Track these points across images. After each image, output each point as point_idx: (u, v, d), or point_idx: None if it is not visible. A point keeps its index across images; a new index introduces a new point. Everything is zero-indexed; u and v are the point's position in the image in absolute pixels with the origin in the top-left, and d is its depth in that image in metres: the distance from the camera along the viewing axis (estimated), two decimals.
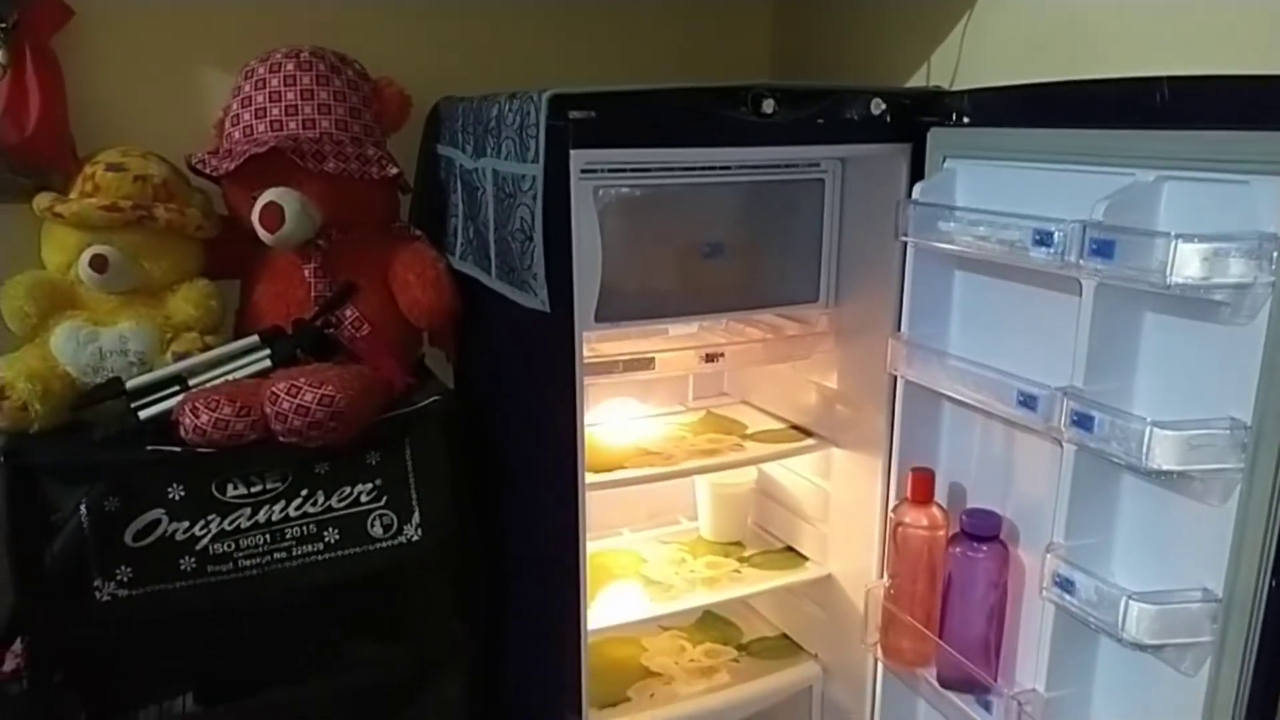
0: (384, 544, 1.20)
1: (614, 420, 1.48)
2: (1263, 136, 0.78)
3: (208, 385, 1.15)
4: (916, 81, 1.36)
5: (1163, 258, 0.81)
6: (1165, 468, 0.84)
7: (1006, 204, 1.01)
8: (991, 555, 1.08)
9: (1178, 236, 0.80)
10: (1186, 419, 0.83)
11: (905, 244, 1.17)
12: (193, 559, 1.11)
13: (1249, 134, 0.79)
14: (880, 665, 1.29)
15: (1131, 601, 0.87)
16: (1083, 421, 0.90)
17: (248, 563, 1.14)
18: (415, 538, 1.21)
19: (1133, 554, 0.94)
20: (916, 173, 1.18)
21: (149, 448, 1.10)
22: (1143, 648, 0.88)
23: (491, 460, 1.30)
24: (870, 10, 1.49)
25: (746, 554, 1.51)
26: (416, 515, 1.21)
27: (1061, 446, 0.95)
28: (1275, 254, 0.78)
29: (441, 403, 1.23)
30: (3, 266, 1.21)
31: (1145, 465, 0.84)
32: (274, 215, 1.21)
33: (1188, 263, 0.80)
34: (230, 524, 1.13)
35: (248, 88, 1.26)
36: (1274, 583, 0.80)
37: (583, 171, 1.06)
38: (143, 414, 1.13)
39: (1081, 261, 0.89)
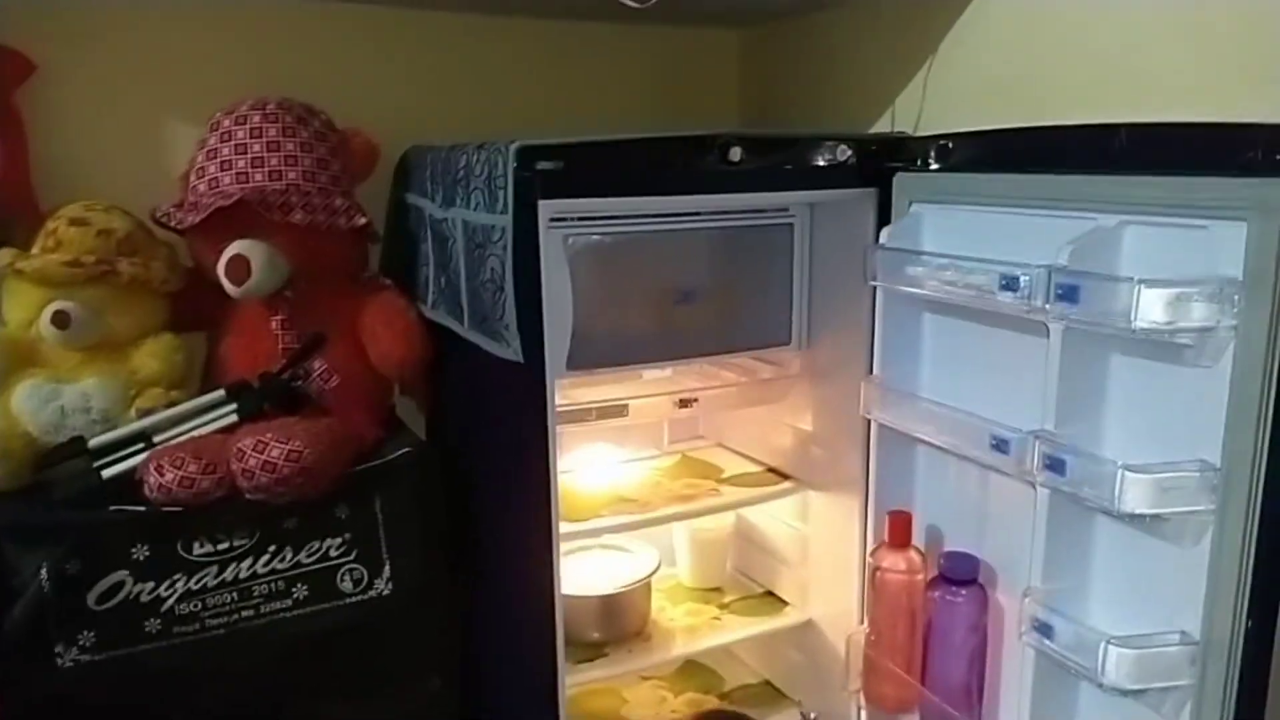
0: (354, 599, 1.18)
1: (589, 467, 1.47)
2: (1219, 182, 0.79)
3: (173, 442, 1.13)
4: (881, 127, 1.37)
5: (1127, 302, 0.82)
6: (1138, 511, 0.84)
7: (973, 247, 1.02)
8: (970, 599, 1.08)
9: (1141, 281, 0.81)
10: (1157, 462, 0.83)
11: (874, 287, 1.17)
12: (158, 620, 1.08)
13: (1206, 179, 0.80)
14: (864, 713, 1.27)
15: (1110, 646, 0.86)
16: (1055, 465, 0.90)
17: (214, 622, 1.12)
18: (386, 592, 1.19)
19: (1110, 597, 0.94)
20: (884, 216, 1.19)
21: (112, 508, 1.08)
22: (1124, 693, 0.87)
23: (465, 511, 1.29)
24: (835, 55, 1.51)
25: (726, 600, 1.50)
26: (387, 569, 1.19)
27: (1035, 489, 0.95)
28: (1236, 297, 0.78)
29: (412, 454, 1.21)
30: None
31: (1118, 508, 0.84)
32: (240, 268, 1.20)
33: (1151, 307, 0.81)
34: (196, 583, 1.10)
35: (213, 140, 1.25)
36: (1250, 624, 0.80)
37: (552, 220, 1.06)
38: (106, 473, 1.10)
39: (1048, 306, 0.90)
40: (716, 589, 1.54)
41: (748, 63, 1.75)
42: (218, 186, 1.22)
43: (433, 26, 1.50)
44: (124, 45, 1.32)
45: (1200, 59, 0.98)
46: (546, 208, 1.04)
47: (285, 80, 1.33)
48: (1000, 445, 0.98)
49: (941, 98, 1.29)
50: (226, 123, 1.25)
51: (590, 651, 1.33)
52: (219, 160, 1.23)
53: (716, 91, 1.75)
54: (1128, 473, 0.83)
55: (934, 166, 1.13)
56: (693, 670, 1.54)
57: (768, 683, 1.54)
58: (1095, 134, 0.92)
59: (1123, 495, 0.84)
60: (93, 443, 1.13)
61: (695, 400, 1.35)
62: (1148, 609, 0.89)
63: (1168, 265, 0.83)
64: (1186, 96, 0.99)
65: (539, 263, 1.05)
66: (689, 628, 1.42)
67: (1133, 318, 0.81)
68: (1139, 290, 0.81)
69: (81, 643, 1.06)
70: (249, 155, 1.22)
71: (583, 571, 1.38)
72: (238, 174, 1.22)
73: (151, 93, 1.34)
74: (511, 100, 1.56)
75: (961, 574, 1.08)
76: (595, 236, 1.19)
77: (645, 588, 1.40)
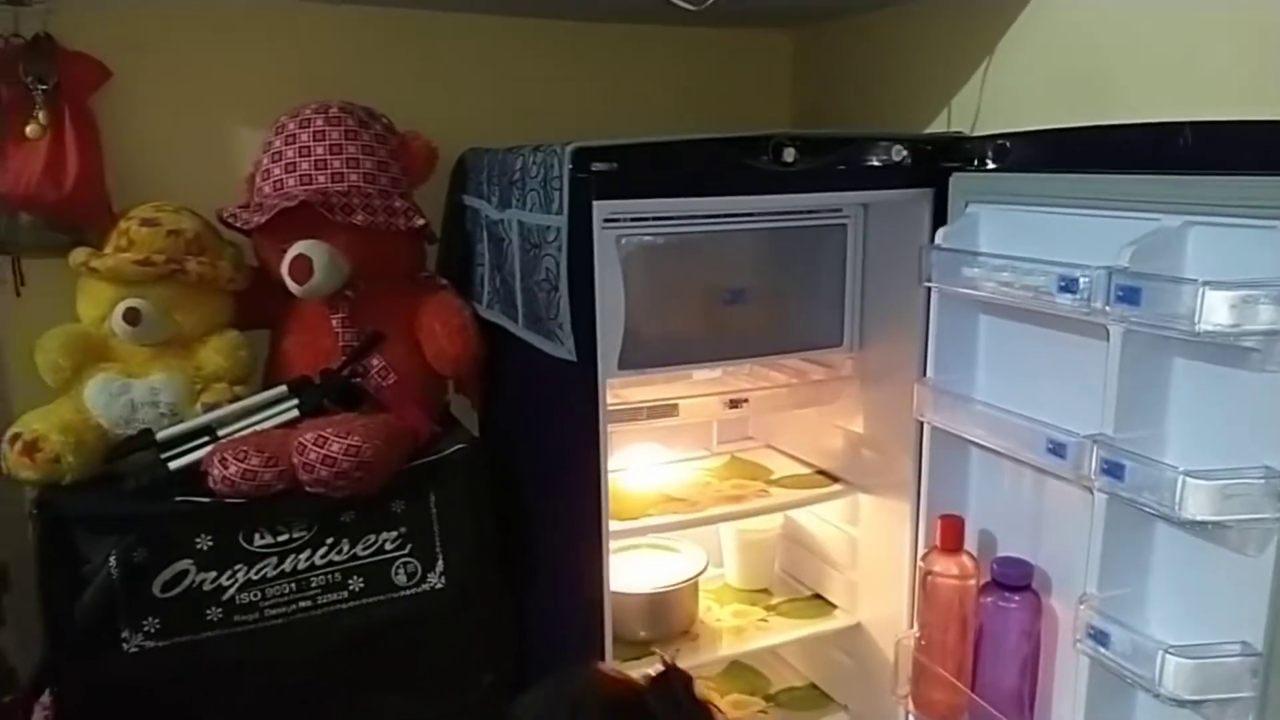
0: (407, 592, 1.21)
1: (638, 466, 1.47)
2: None
3: (236, 436, 1.16)
4: (937, 126, 1.36)
5: (1190, 305, 0.80)
6: (1199, 518, 0.82)
7: (1030, 249, 1.01)
8: (1023, 605, 1.06)
9: (1205, 283, 0.79)
10: (1220, 468, 0.82)
11: (929, 289, 1.16)
12: (219, 609, 1.12)
13: (1273, 179, 0.79)
14: (911, 717, 1.26)
15: (1168, 655, 0.84)
16: (1113, 470, 0.89)
17: (273, 612, 1.15)
18: (439, 585, 1.21)
19: (1168, 605, 0.92)
20: (939, 217, 1.18)
21: (178, 499, 1.12)
22: (1181, 703, 0.85)
23: (516, 507, 1.30)
24: (890, 55, 1.50)
25: (774, 602, 1.50)
26: (440, 563, 1.21)
27: (1092, 494, 0.93)
28: None
29: (466, 451, 1.23)
30: (39, 320, 1.24)
31: (1178, 515, 0.83)
32: (303, 267, 1.23)
33: (1216, 310, 0.79)
34: (257, 573, 1.14)
35: (278, 143, 1.28)
36: None
37: (605, 221, 1.07)
38: (173, 465, 1.14)
39: (1108, 308, 0.88)
40: (764, 590, 1.53)
41: (800, 63, 1.74)
42: (282, 188, 1.25)
43: (489, 31, 1.52)
44: (193, 52, 1.36)
45: (1265, 55, 0.96)
46: (601, 208, 1.05)
47: (347, 84, 1.37)
48: (1057, 449, 0.96)
49: (999, 97, 1.27)
50: (291, 126, 1.28)
51: (637, 650, 1.34)
52: (283, 163, 1.26)
53: (769, 92, 1.74)
54: (1189, 479, 0.82)
55: (991, 166, 1.12)
56: (739, 671, 1.54)
57: (814, 686, 1.53)
58: (1158, 133, 0.90)
59: (1184, 502, 0.82)
60: (160, 435, 1.17)
61: (745, 401, 1.35)
62: (1207, 618, 0.87)
63: (1233, 267, 0.81)
64: (1251, 93, 0.97)
65: (593, 263, 1.06)
66: (736, 629, 1.42)
67: (1196, 320, 0.80)
68: (1203, 292, 0.79)
69: (147, 629, 1.10)
70: (312, 158, 1.25)
71: (631, 570, 1.39)
72: (301, 176, 1.25)
73: (219, 98, 1.38)
74: (566, 102, 1.57)
75: (1015, 580, 1.07)
76: (648, 237, 1.20)
77: (693, 587, 1.41)
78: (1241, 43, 0.98)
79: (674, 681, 0.86)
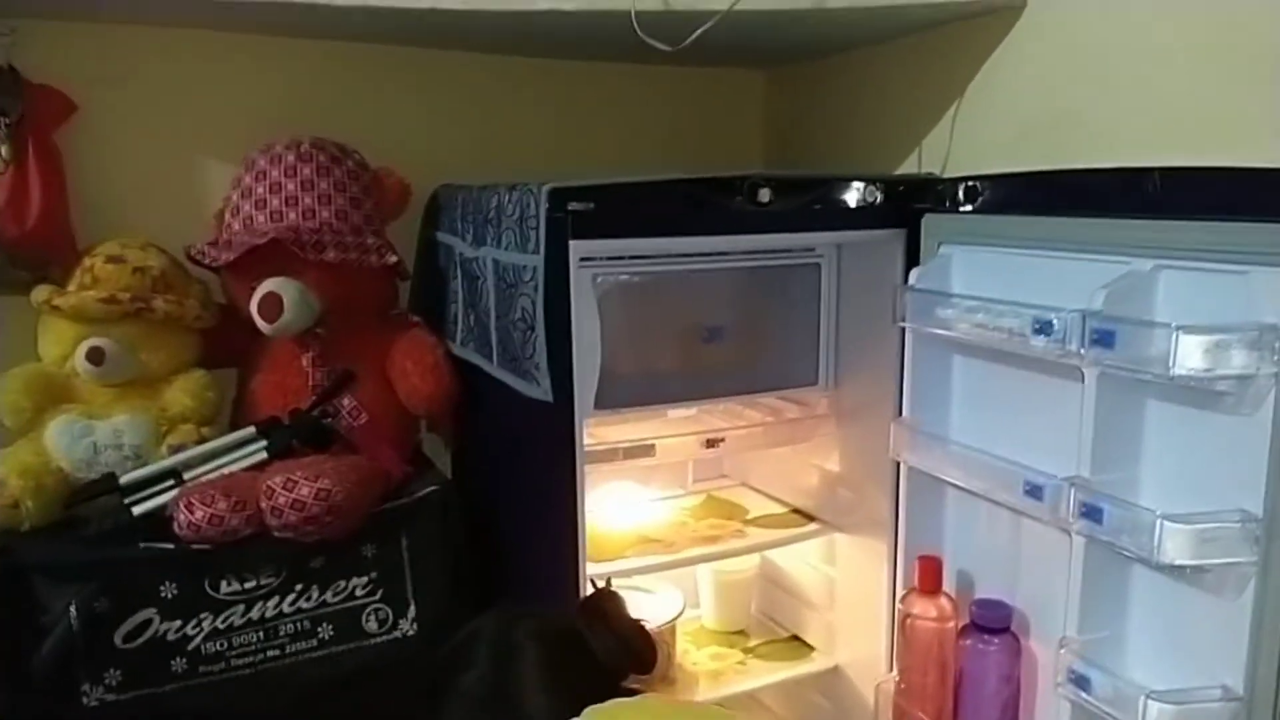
0: (378, 639, 1.18)
1: (614, 505, 1.46)
2: (1258, 228, 0.78)
3: (203, 479, 1.13)
4: (908, 167, 1.38)
5: (1164, 348, 0.81)
6: (1178, 561, 0.82)
7: (1003, 290, 1.01)
8: (1003, 648, 1.06)
9: (1179, 327, 0.80)
10: (1196, 511, 0.82)
11: (903, 329, 1.17)
12: (184, 659, 1.09)
13: (1246, 225, 0.80)
14: None
15: (1150, 700, 0.84)
16: (1091, 513, 0.89)
17: (240, 662, 1.11)
18: (410, 632, 1.19)
19: (1148, 648, 0.92)
20: (912, 257, 1.19)
21: (142, 545, 1.08)
22: None
23: (491, 549, 1.28)
24: (862, 96, 1.52)
25: (751, 644, 1.48)
26: (412, 609, 1.19)
27: (1070, 537, 0.93)
28: (1277, 344, 0.77)
29: (439, 493, 1.21)
30: None
31: (1157, 559, 0.83)
32: (273, 306, 1.21)
33: (1190, 354, 0.80)
34: (223, 622, 1.10)
35: (248, 179, 1.27)
36: None
37: (581, 260, 1.07)
38: (136, 510, 1.11)
39: (1082, 351, 0.89)
40: (740, 632, 1.52)
41: (773, 103, 1.76)
42: (252, 225, 1.24)
43: (462, 68, 1.52)
44: (162, 86, 1.35)
45: (1233, 100, 0.98)
46: (577, 248, 1.04)
47: (319, 120, 1.36)
48: (1034, 491, 0.96)
49: (969, 139, 1.29)
50: (261, 162, 1.27)
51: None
52: (253, 199, 1.25)
53: (742, 132, 1.76)
54: (1167, 522, 0.82)
55: (963, 208, 1.13)
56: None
57: None
58: (1127, 177, 0.92)
59: (1162, 545, 0.82)
60: (124, 479, 1.14)
61: (722, 440, 1.34)
62: (1188, 662, 0.87)
63: (1205, 311, 0.82)
64: (1219, 139, 0.98)
65: (569, 302, 1.05)
66: (713, 672, 1.40)
67: (1171, 364, 0.80)
68: (1177, 336, 0.80)
69: (108, 681, 1.06)
70: (283, 194, 1.24)
71: None
72: (272, 213, 1.23)
73: (187, 133, 1.37)
74: (539, 140, 1.57)
75: (994, 622, 1.06)
76: (623, 276, 1.19)
77: (670, 630, 1.39)
78: (1210, 88, 1.00)
79: (603, 603, 0.92)
